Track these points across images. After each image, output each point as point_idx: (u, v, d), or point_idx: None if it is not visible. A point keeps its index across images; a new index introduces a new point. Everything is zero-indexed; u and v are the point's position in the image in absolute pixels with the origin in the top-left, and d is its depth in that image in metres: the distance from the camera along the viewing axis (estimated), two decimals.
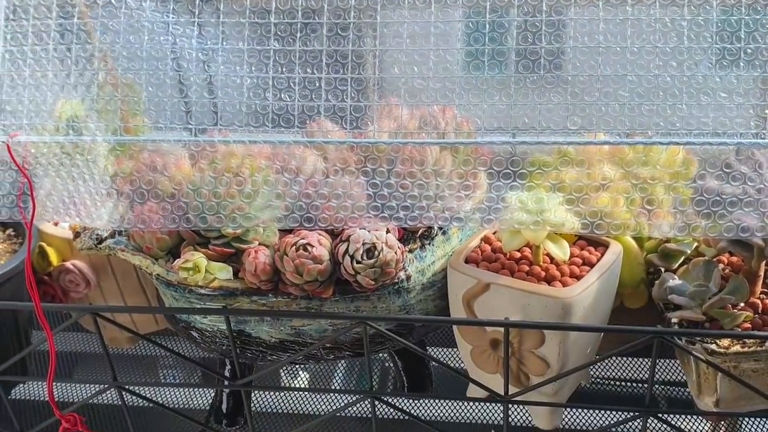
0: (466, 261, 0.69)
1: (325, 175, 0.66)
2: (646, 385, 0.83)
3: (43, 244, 0.79)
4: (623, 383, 0.85)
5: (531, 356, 0.66)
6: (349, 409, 0.81)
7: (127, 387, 0.72)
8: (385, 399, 0.70)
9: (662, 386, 0.87)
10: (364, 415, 0.82)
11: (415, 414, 0.74)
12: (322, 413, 0.85)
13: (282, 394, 0.87)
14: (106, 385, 0.74)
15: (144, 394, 0.72)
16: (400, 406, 0.70)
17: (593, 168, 0.65)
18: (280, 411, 0.85)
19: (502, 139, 0.59)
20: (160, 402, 0.73)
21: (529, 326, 0.63)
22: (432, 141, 0.64)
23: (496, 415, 0.82)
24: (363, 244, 0.65)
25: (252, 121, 0.64)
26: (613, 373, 0.86)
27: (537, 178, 0.64)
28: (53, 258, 0.80)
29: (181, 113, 0.65)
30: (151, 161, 0.65)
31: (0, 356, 0.75)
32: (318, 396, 0.87)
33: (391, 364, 0.82)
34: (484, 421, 0.82)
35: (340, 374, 0.95)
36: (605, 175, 0.65)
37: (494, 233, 0.72)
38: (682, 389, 0.87)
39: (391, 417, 0.82)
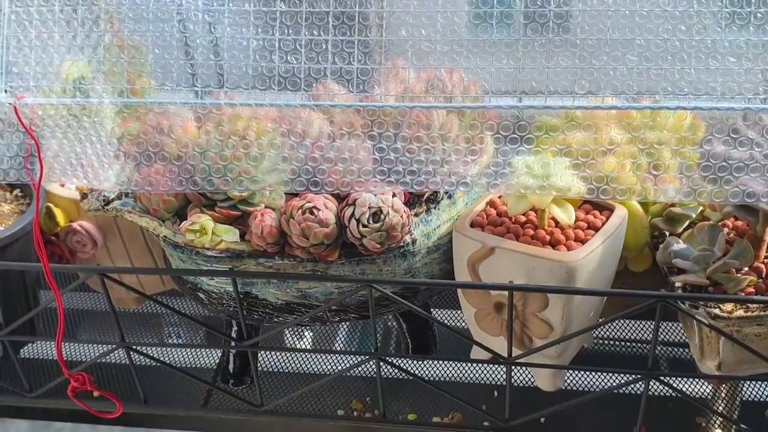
0: (472, 225, 0.69)
1: (332, 139, 0.66)
2: (648, 346, 0.84)
3: (51, 205, 0.80)
4: (626, 344, 0.86)
5: (534, 319, 0.66)
6: (354, 369, 0.82)
7: (135, 347, 0.73)
8: (390, 360, 0.71)
9: (664, 347, 0.88)
10: (369, 375, 0.83)
11: (419, 375, 0.75)
12: (328, 373, 0.86)
13: (288, 354, 0.88)
14: (114, 346, 0.75)
15: (151, 354, 0.73)
16: (404, 368, 0.70)
17: (600, 132, 0.65)
18: (285, 371, 0.86)
19: (510, 103, 0.59)
20: (168, 362, 0.74)
21: (533, 290, 0.64)
22: (439, 105, 0.64)
23: (499, 376, 0.83)
24: (369, 207, 0.65)
25: (258, 84, 0.63)
26: (616, 334, 0.86)
27: (544, 142, 0.64)
28: (60, 219, 0.80)
29: (187, 75, 0.65)
30: (157, 123, 0.65)
31: (8, 316, 0.76)
32: (323, 356, 0.88)
33: (395, 325, 0.82)
34: (487, 382, 0.83)
35: (343, 334, 0.96)
36: (612, 139, 0.65)
37: (500, 197, 0.72)
38: (684, 350, 0.88)
39: (395, 377, 0.83)
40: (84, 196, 0.70)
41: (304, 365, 0.87)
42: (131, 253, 0.82)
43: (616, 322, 0.87)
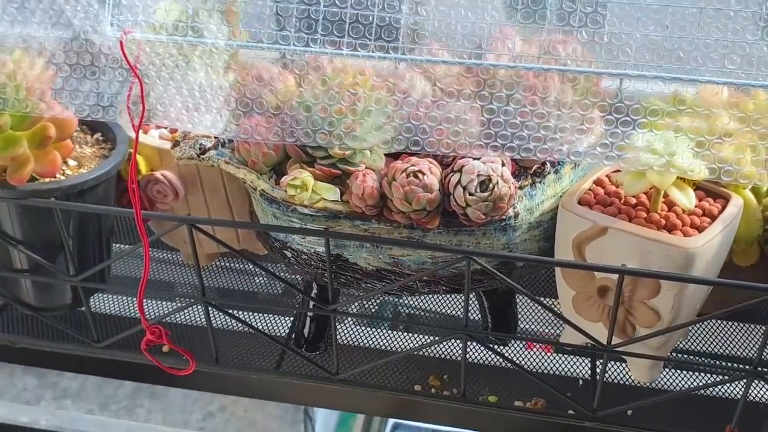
0: (579, 203, 0.65)
1: (438, 99, 0.63)
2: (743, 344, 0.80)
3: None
4: (718, 343, 0.82)
5: (642, 307, 0.63)
6: (434, 346, 0.80)
7: (213, 303, 0.70)
8: (478, 338, 0.68)
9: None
10: (447, 354, 0.81)
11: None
12: (400, 350, 0.83)
13: (362, 327, 0.85)
14: (192, 300, 0.73)
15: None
16: (490, 347, 0.68)
17: (716, 116, 0.61)
18: (359, 344, 0.84)
19: (651, 73, 0.55)
20: (246, 321, 0.71)
21: (648, 275, 0.60)
22: (561, 68, 0.60)
23: (581, 367, 0.80)
24: (478, 175, 0.62)
25: (353, 34, 0.60)
26: (714, 332, 0.83)
27: (657, 125, 0.60)
28: (142, 167, 0.78)
29: (280, 22, 0.61)
30: (263, 72, 0.62)
31: (82, 263, 0.74)
32: (398, 334, 0.85)
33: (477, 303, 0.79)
34: (569, 374, 0.79)
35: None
36: (729, 124, 0.61)
37: (607, 176, 0.69)
38: None
39: (475, 358, 0.80)
40: (176, 143, 0.68)
41: (377, 339, 0.84)
42: (211, 207, 0.80)
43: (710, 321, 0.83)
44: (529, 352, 0.81)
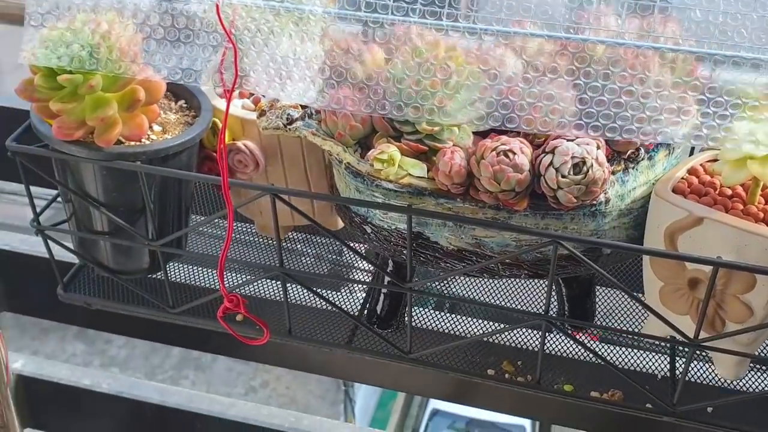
0: (673, 191, 0.63)
1: (536, 76, 0.61)
2: None
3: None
4: None
5: (734, 301, 0.61)
6: (509, 332, 0.78)
7: (292, 275, 0.70)
8: (558, 326, 0.67)
9: None
10: (522, 342, 0.79)
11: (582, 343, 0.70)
12: (468, 336, 0.82)
13: (434, 311, 0.84)
14: (272, 272, 0.72)
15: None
16: (570, 333, 0.66)
17: None
18: (430, 327, 0.83)
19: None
20: (321, 294, 0.71)
21: (744, 269, 0.58)
22: (665, 46, 0.58)
23: (659, 362, 0.78)
24: (572, 157, 0.60)
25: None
26: None
27: (751, 110, 0.58)
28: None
29: None
30: (353, 44, 0.61)
31: (162, 228, 0.75)
32: (468, 320, 0.83)
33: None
34: (647, 369, 0.77)
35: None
36: None
37: (702, 165, 0.66)
38: None
39: (551, 346, 0.79)
40: (262, 112, 0.67)
41: (449, 323, 0.83)
42: (290, 179, 0.79)
43: None
44: (602, 345, 0.79)
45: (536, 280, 0.80)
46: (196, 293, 0.84)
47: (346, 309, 0.83)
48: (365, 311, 0.79)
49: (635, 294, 0.63)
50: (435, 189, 0.63)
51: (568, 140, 0.61)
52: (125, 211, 0.73)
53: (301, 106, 0.66)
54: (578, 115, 0.59)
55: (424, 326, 0.83)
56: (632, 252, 0.68)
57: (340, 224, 0.81)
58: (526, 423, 4.57)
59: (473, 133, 0.65)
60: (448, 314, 0.84)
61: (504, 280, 0.85)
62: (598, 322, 0.77)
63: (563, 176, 0.60)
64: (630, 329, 0.76)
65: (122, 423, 1.27)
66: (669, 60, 0.61)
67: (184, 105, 0.79)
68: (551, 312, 0.66)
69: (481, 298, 0.85)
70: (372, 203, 0.65)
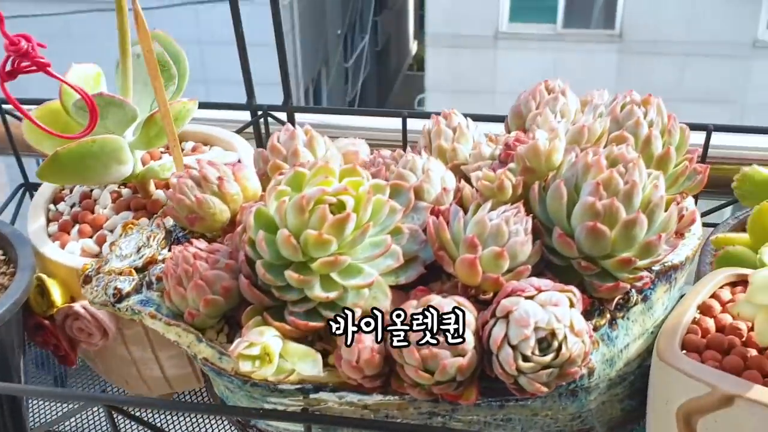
0: (683, 347, 0.44)
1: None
2: None
3: (44, 276, 0.56)
4: None
5: None
6: None
7: None
8: None
9: None
10: None
11: None
12: None
13: None
14: None
15: None
16: None
17: None
18: None
19: None
20: None
21: None
22: None
23: None
24: (535, 329, 0.40)
25: None
26: None
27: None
28: (58, 295, 0.57)
29: None
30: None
31: None
32: None
33: None
34: None
35: None
36: None
37: (714, 296, 0.47)
38: None
39: None
40: (87, 279, 0.46)
41: None
42: (155, 340, 0.58)
43: None
44: None
45: None
46: None
47: None
48: None
49: None
50: (339, 383, 0.43)
51: (525, 297, 0.41)
52: None
53: (135, 270, 0.46)
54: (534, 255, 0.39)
55: None
56: None
57: None
58: None
59: (395, 287, 0.44)
60: None
61: None
62: None
63: (525, 359, 0.40)
64: None
65: None
66: None
67: (2, 256, 0.58)
68: None
69: None
70: (246, 410, 0.44)
